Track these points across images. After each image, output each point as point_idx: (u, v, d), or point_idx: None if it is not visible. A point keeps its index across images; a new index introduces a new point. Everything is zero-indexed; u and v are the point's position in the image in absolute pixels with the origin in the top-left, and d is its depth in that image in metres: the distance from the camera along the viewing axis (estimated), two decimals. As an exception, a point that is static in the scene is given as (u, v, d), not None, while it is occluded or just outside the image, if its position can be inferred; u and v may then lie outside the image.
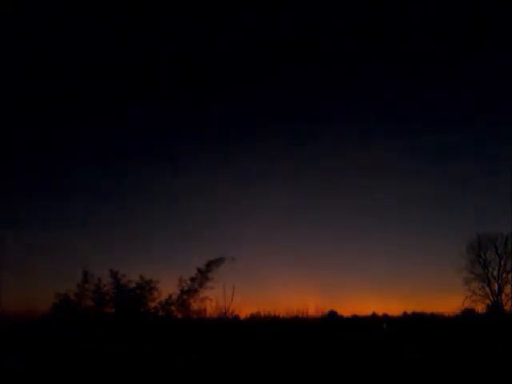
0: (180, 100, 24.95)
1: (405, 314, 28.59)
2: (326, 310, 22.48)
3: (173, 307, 10.78)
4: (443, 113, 28.45)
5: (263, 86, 25.05)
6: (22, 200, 22.33)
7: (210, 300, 10.94)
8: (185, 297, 10.75)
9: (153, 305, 10.76)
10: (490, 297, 29.11)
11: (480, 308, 29.04)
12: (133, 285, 10.63)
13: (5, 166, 18.98)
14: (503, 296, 28.88)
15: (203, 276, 10.80)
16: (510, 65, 21.85)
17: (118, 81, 21.98)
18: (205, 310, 11.13)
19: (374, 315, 27.36)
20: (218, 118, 27.36)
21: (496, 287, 29.03)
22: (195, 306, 10.87)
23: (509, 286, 28.71)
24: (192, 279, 10.80)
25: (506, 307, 28.52)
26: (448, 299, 30.62)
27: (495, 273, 29.08)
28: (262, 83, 24.73)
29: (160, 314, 10.70)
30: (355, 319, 26.07)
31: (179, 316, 10.87)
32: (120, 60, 20.45)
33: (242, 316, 12.36)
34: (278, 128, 27.28)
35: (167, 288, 10.96)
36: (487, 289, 29.13)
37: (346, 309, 27.89)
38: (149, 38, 19.38)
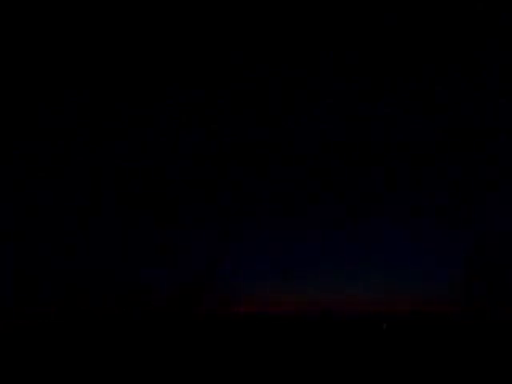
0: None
1: (405, 313, 28.67)
2: (326, 309, 22.58)
3: (173, 306, 10.83)
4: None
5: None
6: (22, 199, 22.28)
7: (210, 300, 10.99)
8: (185, 296, 10.80)
9: (153, 304, 10.81)
10: (490, 296, 29.23)
11: (479, 307, 29.16)
12: (133, 285, 10.68)
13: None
14: (503, 296, 28.99)
15: (204, 275, 10.84)
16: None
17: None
18: (205, 308, 11.18)
19: (373, 314, 27.40)
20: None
21: (495, 287, 29.15)
22: (195, 305, 10.93)
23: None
24: (192, 278, 10.84)
25: (505, 307, 28.64)
26: (448, 298, 30.74)
27: (495, 272, 29.20)
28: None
29: (160, 313, 10.76)
30: (355, 318, 26.11)
31: (179, 315, 10.93)
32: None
33: (241, 315, 12.42)
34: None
35: (167, 288, 11.00)
36: (487, 288, 29.24)
37: (346, 307, 27.93)
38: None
